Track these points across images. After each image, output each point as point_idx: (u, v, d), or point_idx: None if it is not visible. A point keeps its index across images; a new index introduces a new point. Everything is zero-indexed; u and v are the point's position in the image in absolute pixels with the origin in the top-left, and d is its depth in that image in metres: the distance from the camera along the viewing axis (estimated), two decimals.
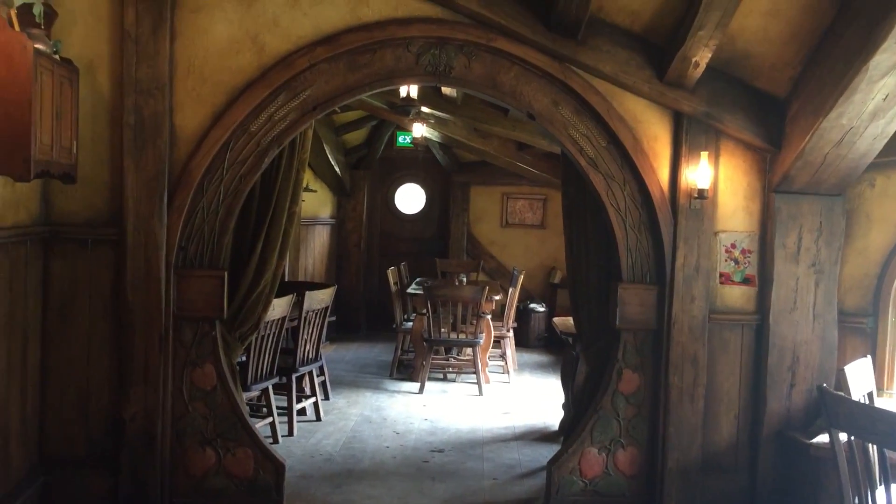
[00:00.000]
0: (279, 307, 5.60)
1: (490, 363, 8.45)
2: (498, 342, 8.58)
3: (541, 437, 6.42)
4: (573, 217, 4.95)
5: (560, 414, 6.52)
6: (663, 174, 4.58)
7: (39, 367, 4.20)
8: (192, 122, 4.30)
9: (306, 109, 4.41)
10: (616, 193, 4.59)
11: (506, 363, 8.59)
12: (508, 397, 7.69)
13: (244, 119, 4.32)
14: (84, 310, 4.26)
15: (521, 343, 9.92)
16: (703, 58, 4.14)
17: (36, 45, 3.21)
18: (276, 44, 4.33)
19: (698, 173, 4.47)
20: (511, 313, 8.66)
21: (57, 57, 3.53)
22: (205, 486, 4.44)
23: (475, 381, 7.86)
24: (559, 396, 6.82)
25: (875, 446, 3.16)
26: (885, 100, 3.81)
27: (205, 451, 4.43)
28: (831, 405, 3.10)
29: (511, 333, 8.74)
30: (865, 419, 3.01)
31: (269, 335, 5.66)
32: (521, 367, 9.05)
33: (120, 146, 4.21)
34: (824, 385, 3.15)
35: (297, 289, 6.35)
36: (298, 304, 6.08)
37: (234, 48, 4.32)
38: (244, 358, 5.39)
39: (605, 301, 4.80)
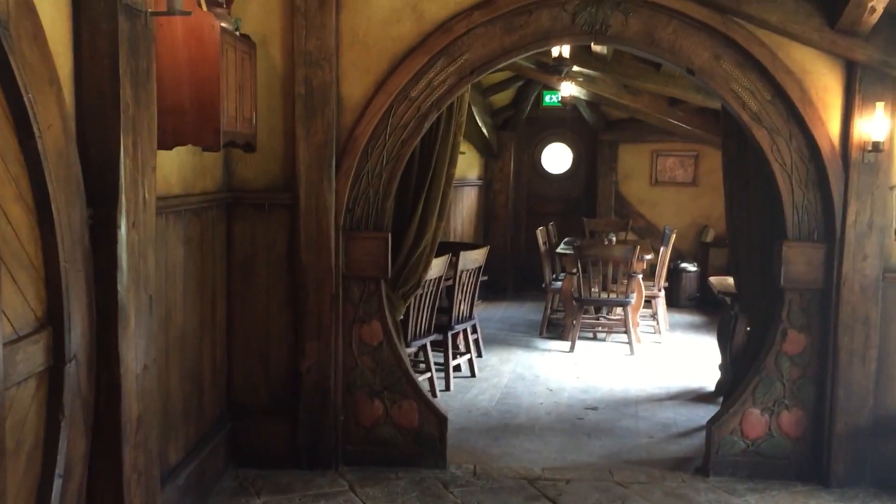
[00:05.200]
0: (436, 267, 5.79)
1: (641, 323, 8.38)
2: (649, 302, 8.49)
3: (696, 397, 6.35)
4: (734, 174, 4.83)
5: (715, 375, 6.42)
6: (833, 127, 4.38)
7: (226, 321, 4.56)
8: (356, 90, 4.49)
9: (464, 74, 4.50)
10: (781, 148, 4.43)
11: (657, 323, 8.50)
12: (660, 357, 7.63)
13: (405, 85, 4.46)
14: (263, 269, 4.58)
15: (672, 303, 9.75)
16: (880, 3, 3.90)
17: (221, 24, 3.45)
18: (434, 10, 4.44)
19: (873, 125, 4.25)
20: (662, 273, 8.54)
21: (238, 34, 3.77)
22: (374, 435, 4.71)
23: (626, 340, 7.83)
24: (713, 357, 6.71)
25: None
26: None
27: (373, 402, 4.69)
28: None
29: (662, 293, 8.62)
30: None
31: (426, 294, 5.87)
32: (672, 326, 8.92)
33: (292, 116, 4.46)
34: None
35: (450, 249, 6.53)
36: (454, 264, 6.26)
37: (395, 17, 4.46)
38: (402, 316, 5.62)
39: (767, 260, 4.67)
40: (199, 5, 3.45)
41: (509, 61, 4.69)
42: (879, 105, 4.23)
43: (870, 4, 3.91)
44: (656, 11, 4.38)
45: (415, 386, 4.73)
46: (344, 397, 4.68)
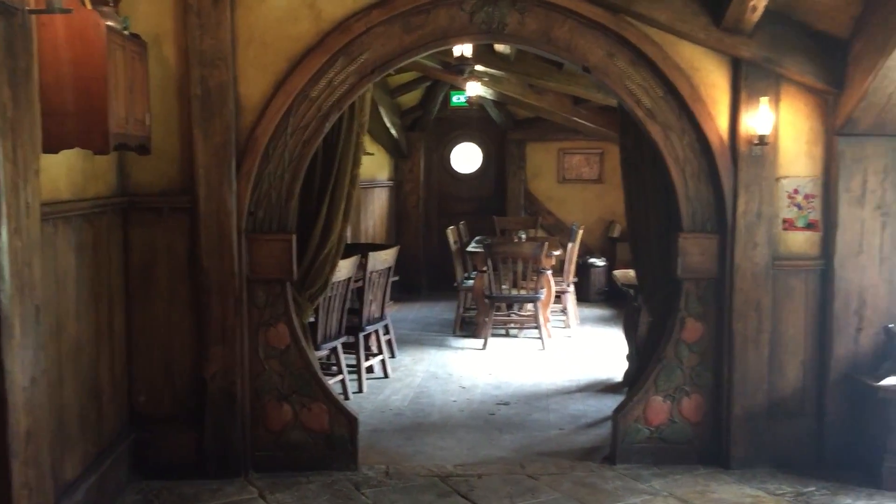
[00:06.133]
0: (345, 268, 5.76)
1: (551, 318, 8.53)
2: (559, 297, 8.64)
3: (605, 388, 6.50)
4: (631, 169, 4.95)
5: (623, 365, 6.58)
6: (722, 122, 4.56)
7: (125, 330, 4.43)
8: (255, 90, 4.43)
9: (364, 73, 4.49)
10: (674, 143, 4.58)
11: (567, 318, 8.66)
12: (571, 351, 7.78)
13: (305, 85, 4.43)
14: (163, 275, 4.47)
15: (582, 298, 9.95)
16: (760, 1, 4.07)
17: (107, 23, 3.34)
18: (332, 9, 4.41)
19: (758, 119, 4.43)
20: (571, 268, 8.70)
21: (126, 32, 3.67)
22: (283, 439, 4.65)
23: (537, 336, 7.95)
24: (622, 349, 6.88)
25: None
26: None
27: (282, 406, 4.63)
28: None
29: (572, 288, 8.79)
30: None
31: (335, 296, 5.83)
32: (583, 321, 9.11)
33: (188, 117, 4.37)
34: (891, 325, 3.16)
35: (360, 250, 6.50)
36: (363, 265, 6.23)
37: (293, 15, 4.41)
38: (313, 319, 5.57)
39: (665, 251, 4.81)
40: (83, 3, 3.34)
41: (410, 60, 4.70)
42: (764, 100, 4.42)
43: (751, 3, 4.09)
44: (552, 11, 4.47)
45: (324, 388, 4.69)
46: (252, 402, 4.60)
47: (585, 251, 10.42)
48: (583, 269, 10.20)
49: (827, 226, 4.61)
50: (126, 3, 4.09)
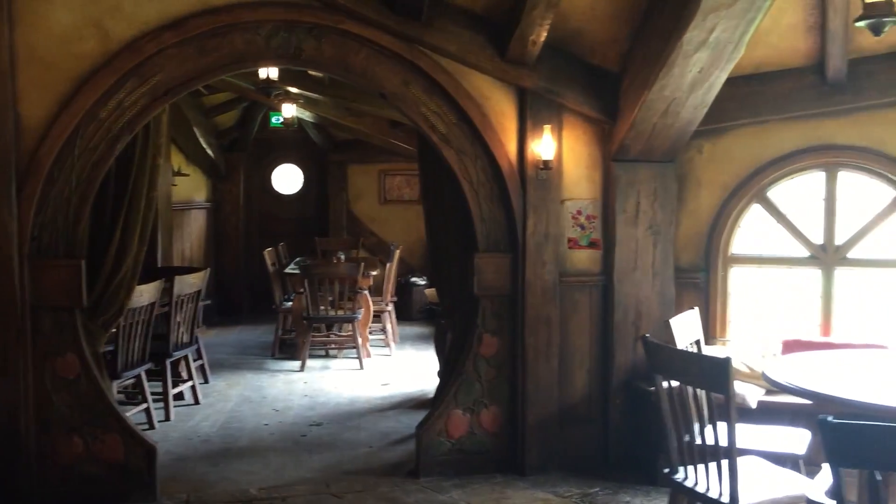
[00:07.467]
0: (147, 293, 5.60)
1: (371, 337, 8.63)
2: (378, 316, 8.76)
3: (418, 405, 6.65)
4: (431, 192, 5.17)
5: (437, 381, 6.76)
6: (511, 147, 4.83)
7: None
8: (37, 110, 4.25)
9: (157, 95, 4.42)
10: (468, 167, 4.81)
11: (387, 336, 8.78)
12: (389, 369, 7.90)
13: (92, 106, 4.30)
14: None
15: (404, 316, 10.13)
16: (539, 36, 4.38)
17: None
18: (120, 29, 4.31)
19: (543, 146, 4.74)
20: (389, 287, 8.85)
21: None
22: (74, 474, 4.44)
23: (356, 355, 8.02)
24: (436, 365, 7.06)
25: (692, 388, 3.50)
26: (700, 72, 4.16)
27: (72, 439, 4.43)
28: (652, 353, 3.43)
29: (391, 307, 8.93)
30: (679, 364, 3.36)
31: (137, 321, 5.63)
32: (403, 339, 9.27)
33: None
34: (647, 335, 3.47)
35: (171, 274, 6.34)
36: (168, 290, 6.07)
37: (77, 34, 4.28)
38: (112, 346, 5.37)
39: (464, 270, 5.03)
40: None
41: (206, 82, 4.69)
42: (547, 128, 4.73)
43: (531, 38, 4.39)
44: (347, 38, 4.58)
45: (119, 418, 4.53)
46: (38, 437, 4.37)
47: (407, 270, 10.63)
48: (405, 288, 10.39)
49: (606, 244, 4.99)
50: None
